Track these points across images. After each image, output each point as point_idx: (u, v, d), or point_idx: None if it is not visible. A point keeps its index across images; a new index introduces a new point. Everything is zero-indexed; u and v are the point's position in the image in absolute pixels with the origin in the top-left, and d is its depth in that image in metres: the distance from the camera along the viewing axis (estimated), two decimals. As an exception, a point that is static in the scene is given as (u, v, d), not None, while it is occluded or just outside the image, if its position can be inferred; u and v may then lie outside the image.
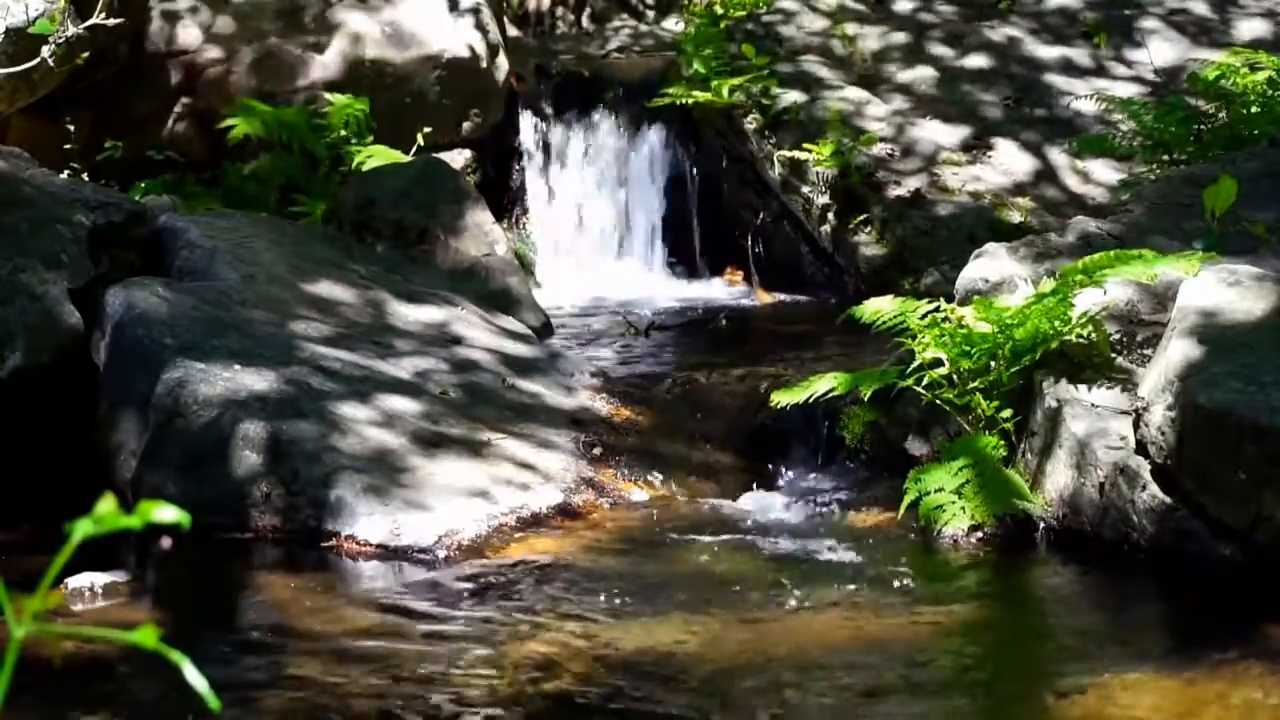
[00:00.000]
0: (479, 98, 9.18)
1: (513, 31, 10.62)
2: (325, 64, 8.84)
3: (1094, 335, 5.26)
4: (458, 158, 8.91)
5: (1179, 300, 4.99)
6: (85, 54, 6.72)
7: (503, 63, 9.31)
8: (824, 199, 8.44)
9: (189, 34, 8.81)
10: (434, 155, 8.43)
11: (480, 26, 9.16)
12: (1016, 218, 8.02)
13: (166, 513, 1.18)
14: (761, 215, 8.92)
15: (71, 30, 6.00)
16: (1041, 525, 5.03)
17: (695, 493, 5.62)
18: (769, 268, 8.87)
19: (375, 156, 8.30)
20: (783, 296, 8.67)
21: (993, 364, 5.30)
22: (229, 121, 8.42)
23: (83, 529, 1.18)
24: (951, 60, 9.33)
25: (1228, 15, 9.58)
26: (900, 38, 9.48)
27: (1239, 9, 9.63)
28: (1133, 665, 3.95)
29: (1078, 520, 4.92)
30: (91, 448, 5.53)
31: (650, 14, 11.06)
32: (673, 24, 10.64)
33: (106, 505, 1.17)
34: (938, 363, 5.34)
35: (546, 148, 9.43)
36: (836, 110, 8.64)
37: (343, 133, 8.55)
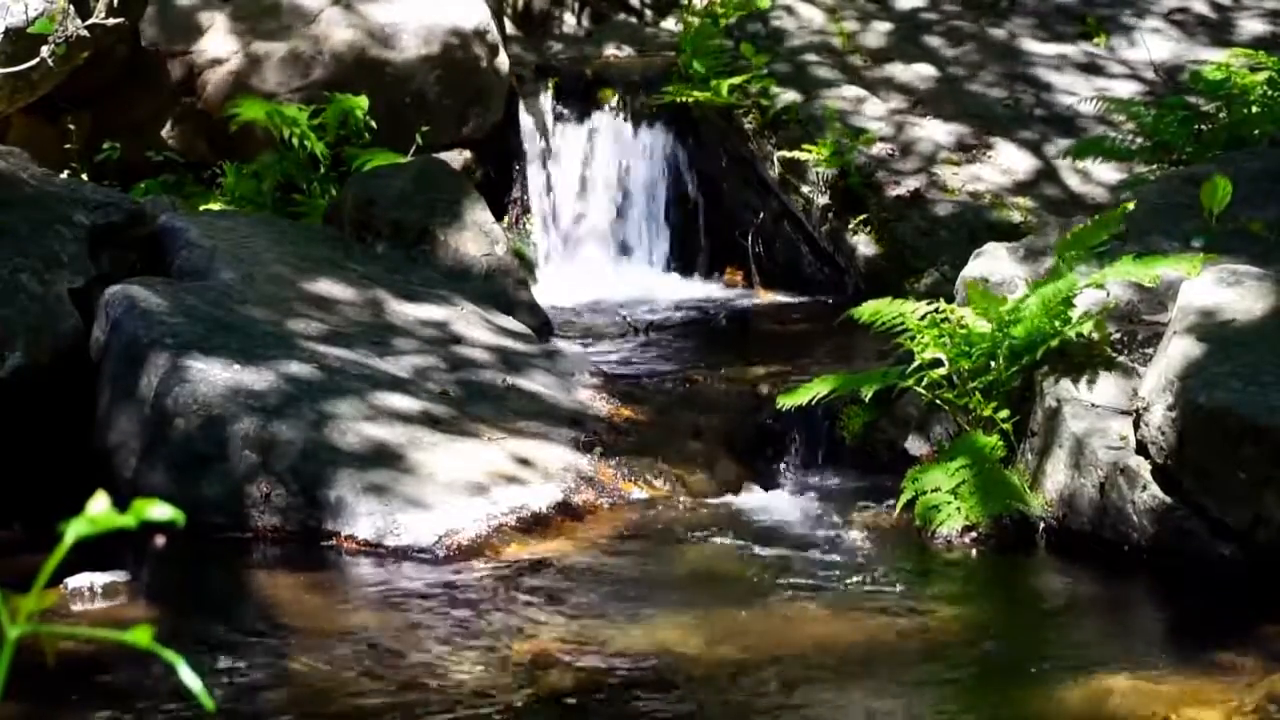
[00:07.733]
0: (479, 97, 9.17)
1: (512, 31, 10.60)
2: (325, 64, 8.83)
3: (1094, 334, 5.26)
4: (458, 158, 8.89)
5: (1179, 300, 4.99)
6: (85, 54, 6.72)
7: (503, 62, 9.30)
8: (823, 199, 8.43)
9: (189, 34, 8.80)
10: (434, 155, 8.42)
11: (480, 26, 9.16)
12: (1016, 217, 8.01)
13: (160, 510, 1.18)
14: (761, 215, 8.91)
15: (71, 30, 6.00)
16: (1040, 525, 5.02)
17: (695, 492, 5.61)
18: (769, 267, 8.86)
19: (375, 157, 8.28)
20: (783, 296, 8.66)
21: (992, 364, 5.30)
22: (233, 109, 8.39)
23: (76, 528, 1.18)
24: (951, 59, 9.31)
25: (1228, 14, 9.57)
26: (900, 36, 9.46)
27: (1240, 8, 9.62)
28: (1131, 665, 3.94)
29: (1077, 520, 4.92)
30: (91, 447, 5.52)
31: (650, 14, 11.04)
32: (673, 24, 10.62)
33: (100, 505, 1.17)
34: (937, 363, 5.34)
35: (547, 147, 9.43)
36: (835, 109, 8.63)
37: (342, 132, 8.54)
